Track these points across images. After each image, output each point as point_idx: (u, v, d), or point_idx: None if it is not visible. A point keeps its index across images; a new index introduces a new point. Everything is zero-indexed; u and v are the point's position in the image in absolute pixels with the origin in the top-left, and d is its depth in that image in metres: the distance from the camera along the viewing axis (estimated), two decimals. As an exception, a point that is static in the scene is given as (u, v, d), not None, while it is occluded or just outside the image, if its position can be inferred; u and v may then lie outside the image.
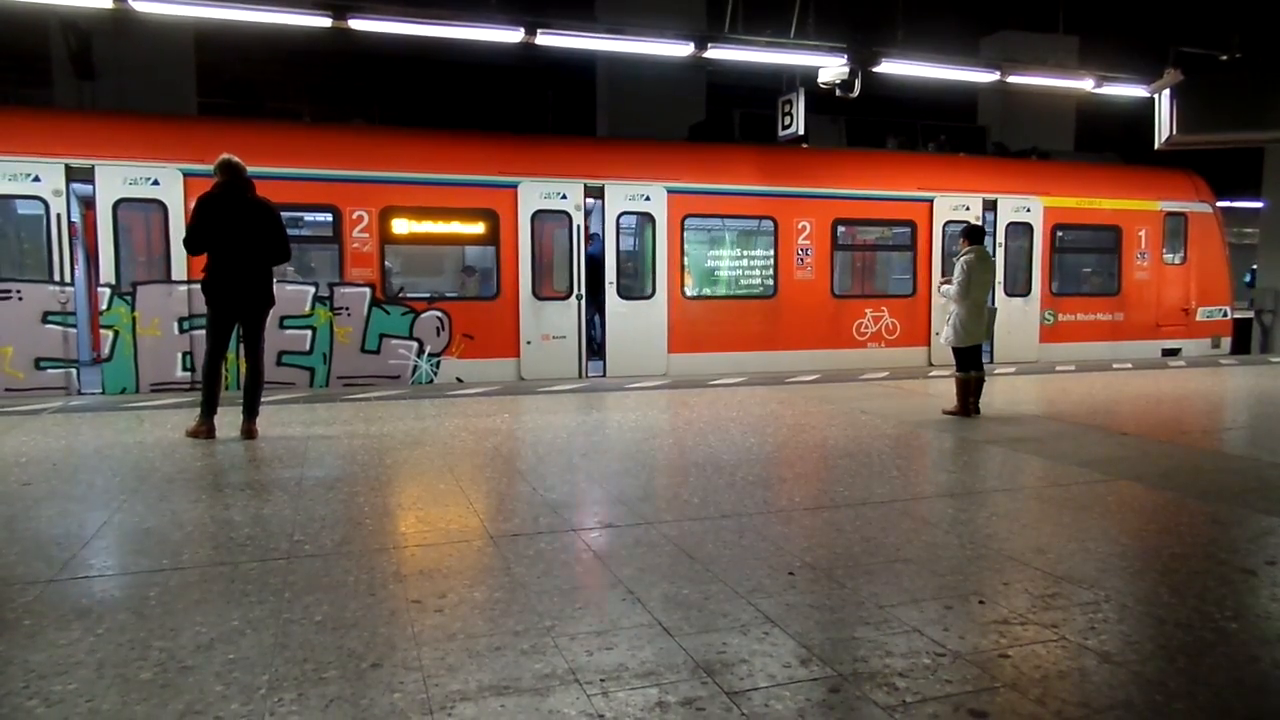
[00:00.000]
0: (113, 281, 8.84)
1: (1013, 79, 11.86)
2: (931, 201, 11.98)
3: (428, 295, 10.12)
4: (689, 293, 11.03)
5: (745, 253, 11.48)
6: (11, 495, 4.74)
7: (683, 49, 10.21)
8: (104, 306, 8.83)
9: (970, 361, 7.68)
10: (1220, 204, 13.91)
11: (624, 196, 10.60)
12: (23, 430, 6.57)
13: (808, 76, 11.34)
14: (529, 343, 10.29)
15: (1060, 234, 12.77)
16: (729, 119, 13.88)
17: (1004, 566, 3.70)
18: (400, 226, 9.83)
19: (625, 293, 10.71)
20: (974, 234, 7.84)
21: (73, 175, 8.75)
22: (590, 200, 10.51)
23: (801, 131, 12.00)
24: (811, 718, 2.43)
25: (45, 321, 8.67)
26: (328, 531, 4.11)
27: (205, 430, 6.30)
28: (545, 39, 9.57)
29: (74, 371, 8.81)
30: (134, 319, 8.90)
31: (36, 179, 8.63)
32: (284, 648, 2.83)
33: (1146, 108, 10.59)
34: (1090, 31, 16.38)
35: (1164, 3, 13.23)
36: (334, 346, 9.58)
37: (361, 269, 9.63)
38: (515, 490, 4.99)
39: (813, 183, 11.56)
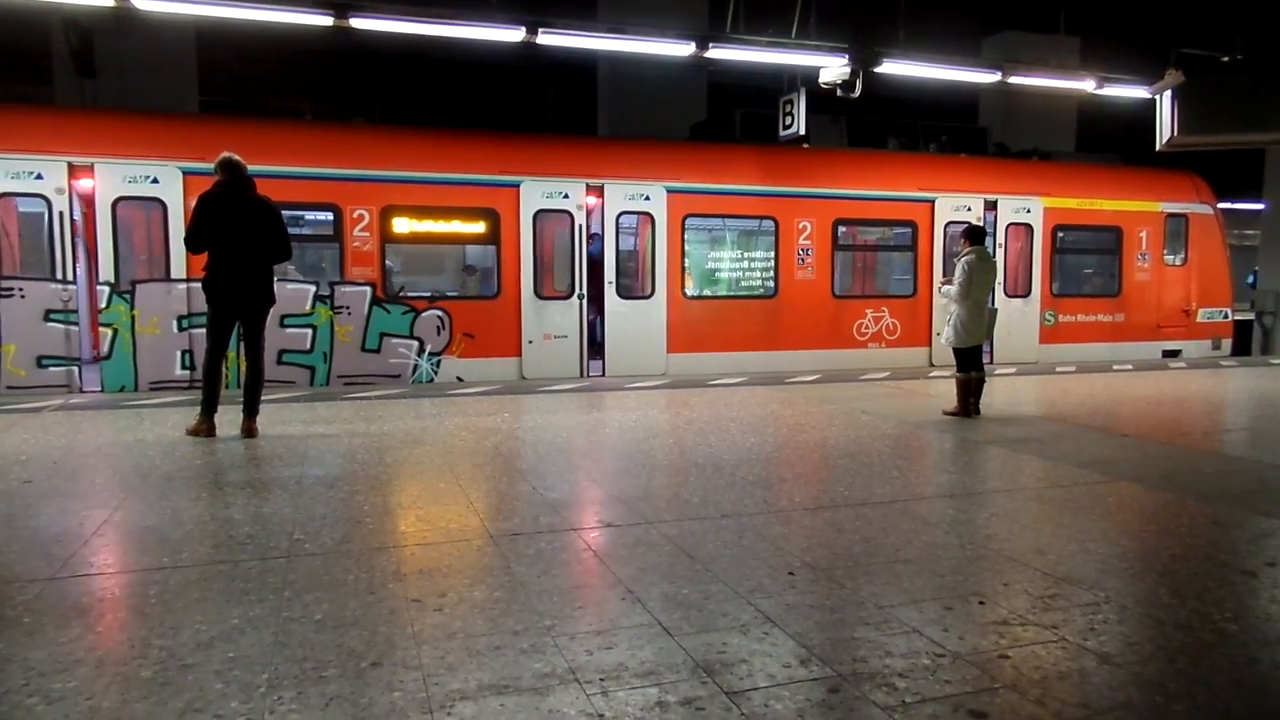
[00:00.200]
0: (112, 280, 8.84)
1: (1014, 80, 11.86)
2: (932, 202, 11.97)
3: (428, 294, 10.12)
4: (689, 293, 11.03)
5: (745, 253, 11.47)
6: (12, 493, 4.74)
7: (684, 49, 10.21)
8: (103, 305, 8.84)
9: (971, 362, 7.68)
10: (1221, 205, 13.90)
11: (623, 196, 10.60)
12: (23, 428, 6.58)
13: (809, 76, 11.34)
14: (531, 342, 10.29)
15: (1061, 235, 12.77)
16: (730, 119, 13.87)
17: (1004, 567, 3.70)
18: (401, 225, 9.83)
19: (625, 292, 10.71)
20: (975, 234, 7.83)
21: (75, 173, 8.76)
22: (591, 200, 10.52)
23: (803, 131, 12.00)
24: (811, 718, 2.43)
25: (47, 319, 8.68)
26: (328, 530, 4.11)
27: (206, 428, 6.30)
28: (546, 38, 9.58)
29: (76, 369, 8.82)
30: (133, 317, 8.90)
31: (39, 177, 8.63)
32: (284, 646, 2.83)
33: (1148, 109, 10.59)
34: (1092, 32, 16.36)
35: (1166, 4, 13.23)
36: (334, 345, 9.58)
37: (362, 268, 9.63)
38: (515, 489, 4.99)
39: (814, 183, 11.56)
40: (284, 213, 6.56)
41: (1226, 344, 13.89)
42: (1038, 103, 16.56)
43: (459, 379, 9.91)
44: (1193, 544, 4.09)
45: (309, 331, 9.48)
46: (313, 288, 9.50)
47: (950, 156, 13.64)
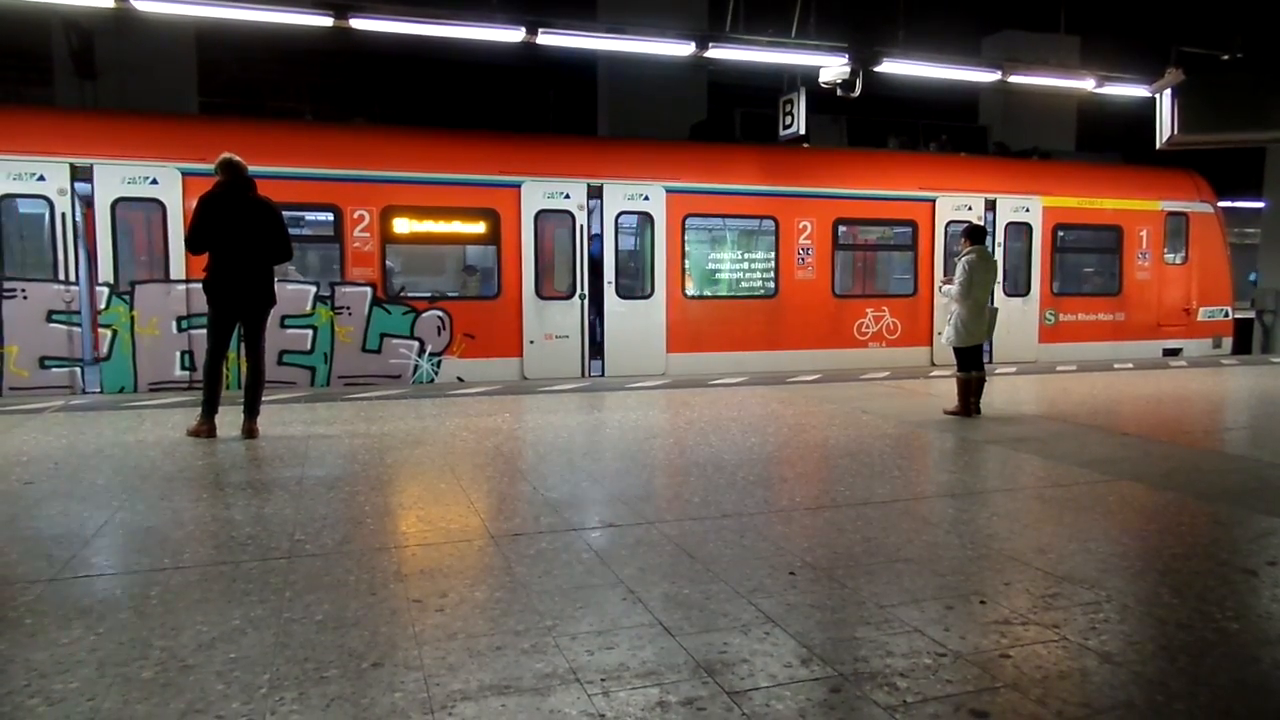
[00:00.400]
0: (111, 280, 8.85)
1: (1014, 79, 11.86)
2: (933, 201, 11.97)
3: (429, 295, 10.13)
4: (688, 292, 11.02)
5: (746, 253, 11.47)
6: (13, 494, 4.74)
7: (684, 49, 10.21)
8: (102, 306, 8.84)
9: (971, 361, 7.68)
10: (1222, 204, 13.89)
11: (623, 196, 10.60)
12: (24, 429, 6.58)
13: (809, 76, 11.33)
14: (532, 342, 10.29)
15: (1061, 234, 12.77)
16: (730, 118, 13.86)
17: (1005, 566, 3.70)
18: (401, 226, 9.83)
19: (624, 292, 10.71)
20: (975, 233, 7.83)
21: (77, 174, 8.76)
22: (592, 200, 10.52)
23: (803, 131, 11.99)
24: (812, 717, 2.43)
25: (50, 320, 8.69)
26: (329, 531, 4.11)
27: (206, 429, 6.30)
28: (546, 39, 9.57)
29: (78, 370, 8.82)
30: (132, 318, 8.90)
31: (41, 178, 8.64)
32: (285, 647, 2.83)
33: (1148, 107, 10.57)
34: (1092, 31, 16.36)
35: (1165, 2, 13.21)
36: (335, 346, 9.59)
37: (363, 268, 9.63)
38: (516, 490, 4.99)
39: (814, 182, 11.55)
40: (284, 213, 6.56)
41: (1227, 343, 13.88)
42: (1038, 102, 16.55)
43: (459, 379, 9.92)
44: (1194, 543, 4.09)
45: (309, 332, 9.48)
46: (313, 288, 9.50)
47: (951, 156, 13.63)
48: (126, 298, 8.89)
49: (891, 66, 10.78)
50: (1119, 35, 14.28)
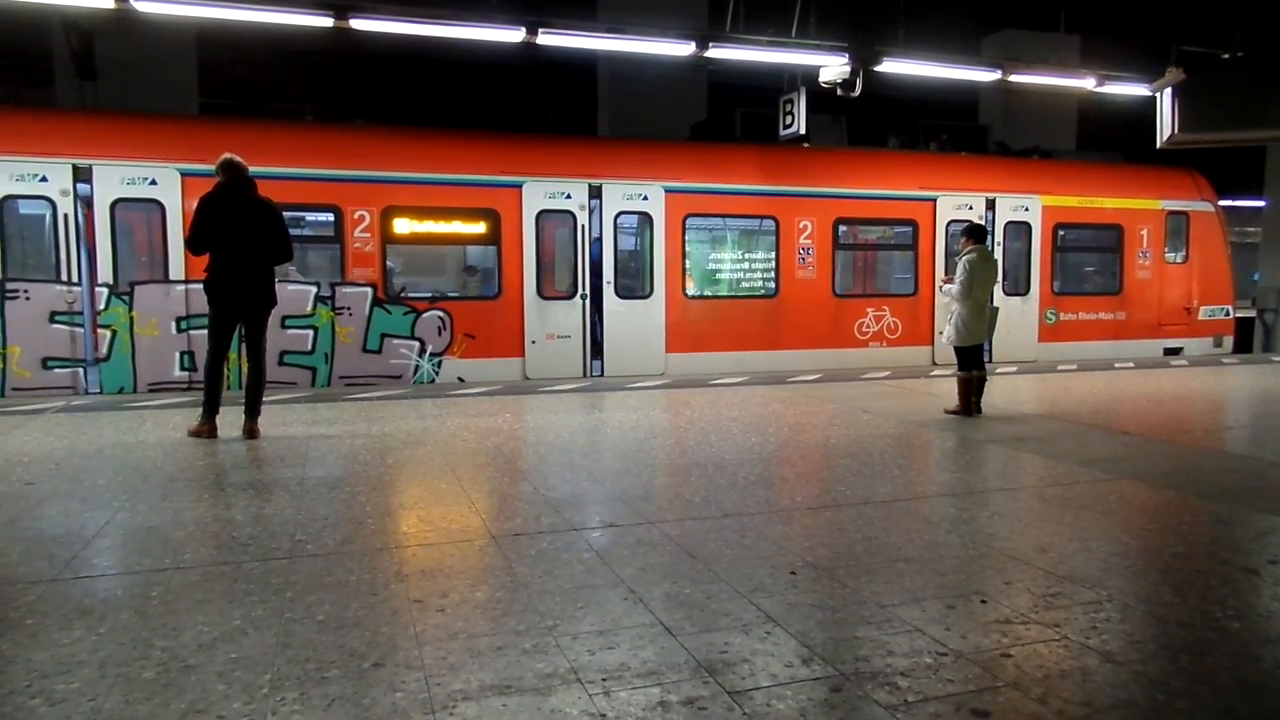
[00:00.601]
0: (110, 281, 8.85)
1: (1014, 78, 11.86)
2: (934, 201, 11.97)
3: (430, 295, 10.13)
4: (689, 293, 11.02)
5: (746, 252, 11.47)
6: (14, 495, 4.74)
7: (684, 48, 10.21)
8: (101, 306, 8.84)
9: (972, 360, 7.68)
10: (1222, 203, 13.88)
11: (621, 196, 10.61)
12: (25, 430, 6.58)
13: (809, 76, 11.34)
14: (534, 342, 10.30)
15: (1062, 233, 12.76)
16: (731, 118, 13.87)
17: (1006, 566, 3.70)
18: (402, 226, 9.83)
19: (623, 292, 10.72)
20: (976, 233, 7.83)
21: (78, 175, 8.77)
22: (593, 200, 10.52)
23: (803, 131, 11.99)
24: (813, 717, 2.43)
25: (52, 321, 8.70)
26: (330, 531, 4.11)
27: (207, 430, 6.31)
28: (546, 39, 9.58)
29: (81, 371, 8.83)
30: (131, 319, 8.91)
31: (44, 179, 8.66)
32: (286, 647, 2.83)
33: (1148, 106, 10.58)
34: (1092, 30, 16.36)
35: (1166, 2, 13.21)
36: (336, 346, 9.59)
37: (363, 269, 9.64)
38: (517, 490, 4.99)
39: (814, 182, 11.55)
40: (285, 214, 6.57)
41: (1228, 341, 13.88)
42: (1038, 101, 16.54)
43: (460, 379, 9.92)
44: (1195, 542, 4.09)
45: (310, 332, 9.48)
46: (314, 289, 9.51)
47: (951, 155, 13.63)
48: (125, 298, 8.89)
49: (892, 66, 10.78)
50: (1119, 34, 14.29)
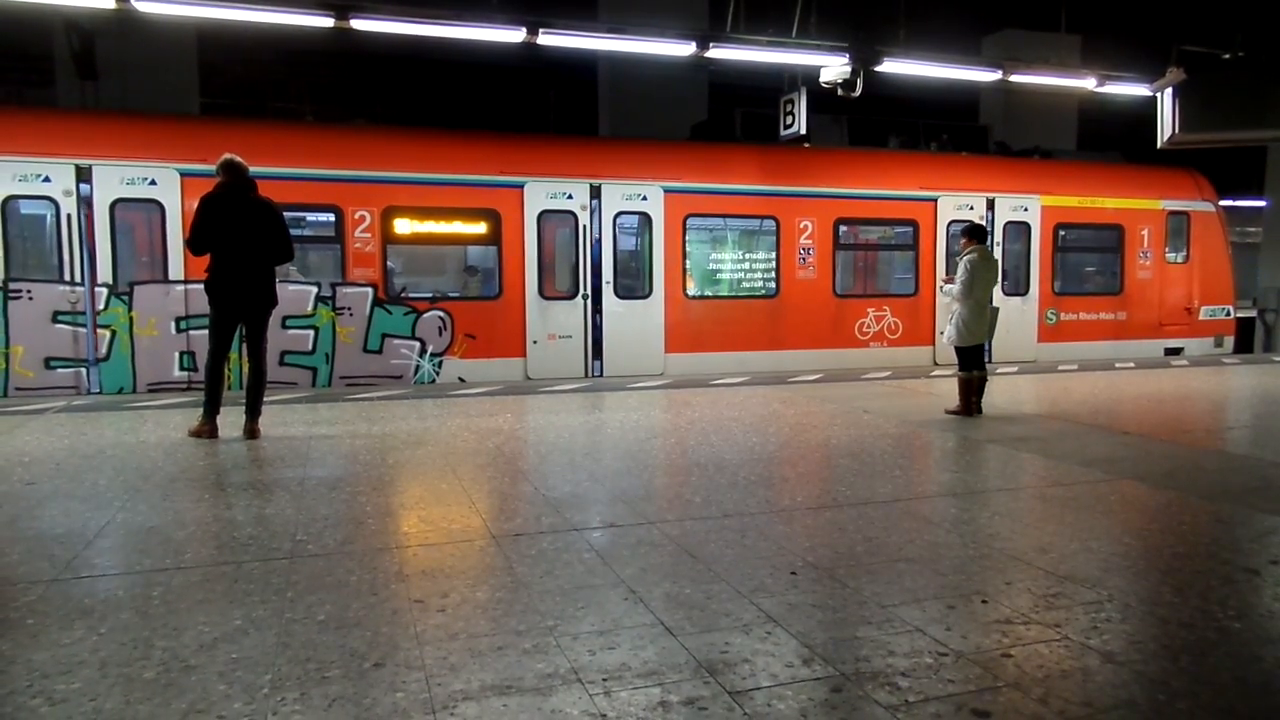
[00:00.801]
0: (110, 281, 8.86)
1: (1015, 78, 11.85)
2: (935, 201, 11.97)
3: (430, 295, 10.13)
4: (688, 292, 11.02)
5: (747, 253, 11.47)
6: (15, 495, 4.74)
7: (684, 49, 10.21)
8: (101, 306, 8.85)
9: (973, 361, 7.68)
10: (1223, 203, 13.88)
11: (620, 196, 10.61)
12: (26, 430, 6.59)
13: (810, 76, 11.33)
14: (535, 342, 10.30)
15: (1062, 233, 12.76)
16: (731, 118, 13.87)
17: (1007, 566, 3.69)
18: (403, 226, 9.84)
19: (623, 292, 10.72)
20: (976, 233, 7.83)
21: (81, 176, 8.79)
22: (593, 200, 10.52)
23: (804, 131, 11.99)
24: (814, 717, 2.43)
25: (55, 321, 8.71)
26: (330, 531, 4.11)
27: (208, 430, 6.31)
28: (547, 39, 9.58)
29: (84, 371, 8.84)
30: (131, 319, 8.92)
31: (47, 179, 8.66)
32: (287, 647, 2.84)
33: (1149, 106, 10.56)
34: (1092, 30, 16.36)
35: (1166, 1, 13.21)
36: (336, 346, 9.59)
37: (364, 269, 9.64)
38: (517, 490, 5.00)
39: (815, 182, 11.55)
40: (285, 214, 6.57)
41: (1229, 341, 13.87)
42: (1039, 101, 16.55)
43: (460, 379, 9.92)
44: (1195, 542, 4.09)
45: (311, 333, 9.49)
46: (314, 289, 9.51)
47: (952, 155, 13.62)
48: (125, 298, 8.90)
49: (892, 66, 10.78)
50: (1120, 34, 14.29)
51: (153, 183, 8.94)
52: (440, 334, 9.97)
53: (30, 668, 2.67)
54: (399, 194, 9.75)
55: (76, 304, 8.76)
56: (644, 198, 10.67)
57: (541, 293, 10.32)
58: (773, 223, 11.30)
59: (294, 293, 9.30)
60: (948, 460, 6.06)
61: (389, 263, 9.91)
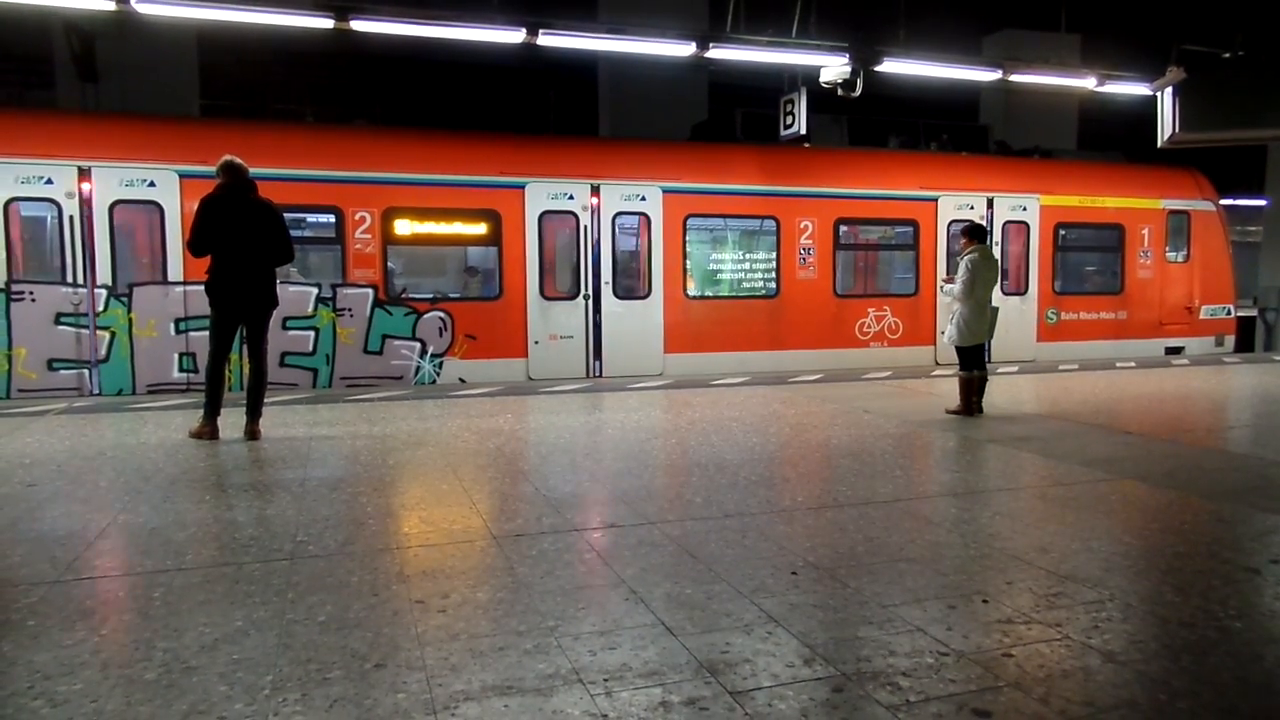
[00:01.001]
0: (109, 283, 8.86)
1: (1015, 78, 11.86)
2: (935, 201, 11.97)
3: (431, 296, 10.14)
4: (688, 292, 11.02)
5: (747, 253, 11.47)
6: (16, 496, 4.75)
7: (684, 49, 10.21)
8: (100, 308, 8.86)
9: (973, 360, 7.68)
10: (1224, 202, 13.88)
11: (619, 197, 10.61)
12: (27, 431, 6.59)
13: (810, 76, 11.34)
14: (537, 343, 10.31)
15: (1062, 232, 12.76)
16: (731, 119, 13.88)
17: (1007, 566, 3.69)
18: (403, 227, 9.84)
19: (622, 293, 10.72)
20: (976, 232, 7.83)
21: (81, 177, 8.79)
22: (593, 200, 10.53)
23: (804, 131, 11.99)
24: (815, 717, 2.43)
25: (58, 323, 8.71)
26: (331, 532, 4.12)
27: (209, 431, 6.31)
28: (547, 39, 9.58)
29: (86, 372, 8.84)
30: (130, 320, 8.92)
31: (49, 181, 8.67)
32: (288, 648, 2.84)
33: (1149, 106, 10.57)
34: (1092, 30, 16.37)
35: (1166, 1, 13.21)
36: (337, 347, 9.60)
37: (364, 270, 9.64)
38: (518, 490, 5.00)
39: (815, 182, 11.55)
40: (285, 215, 6.57)
41: (1229, 341, 13.87)
42: (1039, 101, 16.56)
43: (461, 380, 9.92)
44: (1196, 541, 4.09)
45: (311, 334, 9.49)
46: (315, 290, 9.51)
47: (952, 155, 13.63)
48: (124, 300, 8.90)
49: (892, 66, 10.78)
50: (1120, 34, 14.29)
51: (151, 184, 8.95)
52: (441, 335, 9.98)
53: (32, 669, 2.68)
54: (399, 195, 9.75)
55: (79, 306, 8.77)
56: (642, 198, 10.67)
57: (543, 293, 10.32)
58: (773, 223, 11.30)
59: (294, 294, 9.31)
60: (948, 460, 6.06)
61: (389, 264, 9.91)
